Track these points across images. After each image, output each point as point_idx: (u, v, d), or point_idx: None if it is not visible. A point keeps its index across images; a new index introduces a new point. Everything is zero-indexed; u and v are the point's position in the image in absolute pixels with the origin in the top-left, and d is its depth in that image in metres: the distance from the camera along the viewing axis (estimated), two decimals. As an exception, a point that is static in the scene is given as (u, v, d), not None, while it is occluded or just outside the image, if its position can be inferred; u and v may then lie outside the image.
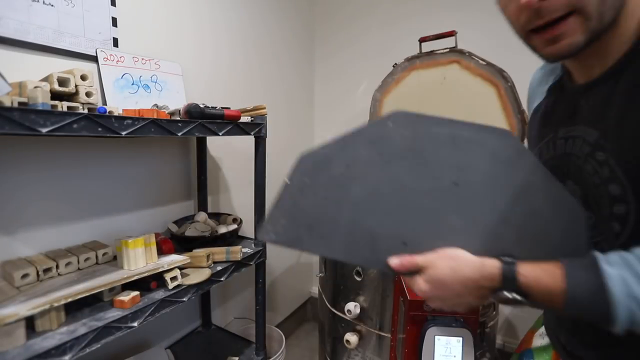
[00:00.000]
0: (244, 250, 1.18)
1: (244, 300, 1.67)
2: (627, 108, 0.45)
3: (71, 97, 0.81)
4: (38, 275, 0.81)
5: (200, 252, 1.07)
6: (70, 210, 0.98)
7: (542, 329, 0.76)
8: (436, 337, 0.81)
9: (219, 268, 1.06)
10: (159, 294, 0.89)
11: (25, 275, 0.79)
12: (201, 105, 0.97)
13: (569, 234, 0.50)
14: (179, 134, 0.91)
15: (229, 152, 1.52)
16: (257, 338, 1.31)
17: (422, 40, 1.52)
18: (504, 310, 1.73)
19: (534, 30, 0.50)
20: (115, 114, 0.83)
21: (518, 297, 0.45)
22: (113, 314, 0.79)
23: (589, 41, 0.46)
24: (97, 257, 0.93)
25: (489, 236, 0.51)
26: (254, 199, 1.25)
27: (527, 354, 0.75)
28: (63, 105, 0.75)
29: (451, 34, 1.43)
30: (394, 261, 0.50)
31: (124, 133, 0.77)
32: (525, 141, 1.44)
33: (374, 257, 0.52)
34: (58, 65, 0.92)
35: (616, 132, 0.46)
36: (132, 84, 1.08)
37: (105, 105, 0.93)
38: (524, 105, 1.32)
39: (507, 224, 0.51)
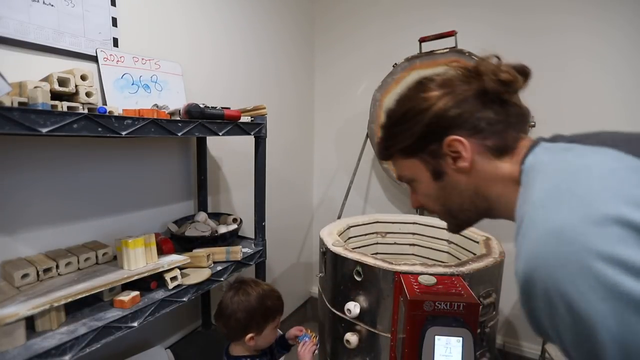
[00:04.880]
0: (244, 250, 1.18)
1: (244, 300, 1.67)
2: None
3: (71, 97, 0.81)
4: (38, 275, 0.81)
5: (200, 252, 1.07)
6: (70, 210, 0.98)
7: None
8: (436, 337, 0.81)
9: (219, 268, 1.06)
10: (159, 294, 0.89)
11: (25, 275, 0.79)
12: (201, 105, 0.97)
13: None
14: (179, 134, 0.91)
15: (229, 152, 1.52)
16: (257, 338, 1.30)
17: (422, 40, 1.52)
18: (504, 310, 1.73)
19: None
20: (115, 114, 0.83)
21: None
22: (113, 314, 0.79)
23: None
24: (97, 257, 0.93)
25: None
26: (254, 199, 1.25)
27: None
28: (63, 105, 0.75)
29: (451, 34, 1.43)
30: None
31: (124, 133, 0.77)
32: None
33: None
34: (58, 65, 0.92)
35: None
36: (132, 84, 1.08)
37: (105, 105, 0.93)
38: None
39: None
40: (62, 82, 0.78)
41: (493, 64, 0.56)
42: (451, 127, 0.55)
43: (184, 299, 0.93)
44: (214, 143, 1.43)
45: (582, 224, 0.35)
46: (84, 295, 0.74)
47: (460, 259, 1.30)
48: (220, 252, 1.11)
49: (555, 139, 0.51)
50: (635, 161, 0.38)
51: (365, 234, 1.54)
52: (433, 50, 1.46)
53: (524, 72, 0.55)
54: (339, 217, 1.64)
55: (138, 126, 0.80)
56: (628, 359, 0.33)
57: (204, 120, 0.97)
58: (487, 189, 0.56)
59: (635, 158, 0.39)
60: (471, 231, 1.34)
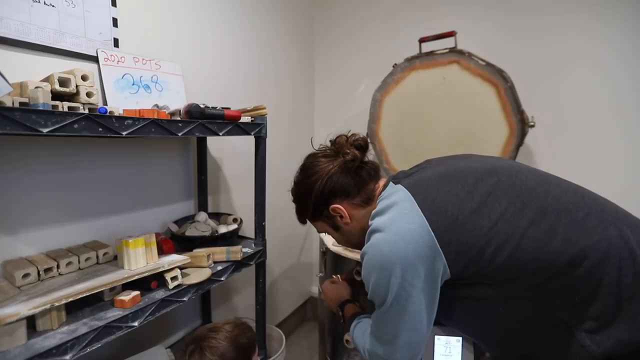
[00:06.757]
0: (244, 250, 1.18)
1: (244, 300, 1.67)
2: None
3: (72, 97, 0.81)
4: (39, 274, 0.82)
5: (200, 251, 1.07)
6: (71, 210, 0.98)
7: None
8: (436, 336, 0.81)
9: (219, 268, 1.06)
10: (160, 294, 0.89)
11: (26, 275, 0.79)
12: (201, 106, 0.97)
13: None
14: (180, 134, 0.91)
15: (229, 152, 1.52)
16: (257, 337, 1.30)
17: (422, 40, 1.52)
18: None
19: None
20: (116, 114, 0.83)
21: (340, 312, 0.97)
22: (114, 314, 0.79)
23: None
24: (97, 256, 0.94)
25: None
26: (254, 199, 1.25)
27: None
28: (64, 106, 0.75)
29: (451, 34, 1.43)
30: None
31: (124, 133, 0.78)
32: (525, 140, 1.43)
33: None
34: (59, 66, 0.92)
35: None
36: (133, 84, 1.08)
37: (106, 105, 0.94)
38: (523, 106, 1.32)
39: None
40: (63, 82, 0.78)
41: (342, 145, 0.82)
42: (330, 198, 0.81)
43: (185, 299, 0.94)
44: (214, 143, 1.43)
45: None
46: (84, 294, 0.74)
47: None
48: (220, 252, 1.11)
49: (397, 178, 0.78)
50: (413, 202, 0.68)
51: (365, 234, 1.53)
52: (433, 51, 1.46)
53: (361, 147, 0.82)
54: (339, 217, 1.64)
55: (138, 126, 0.80)
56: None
57: (204, 121, 0.97)
58: (367, 226, 0.76)
59: (414, 199, 0.68)
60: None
